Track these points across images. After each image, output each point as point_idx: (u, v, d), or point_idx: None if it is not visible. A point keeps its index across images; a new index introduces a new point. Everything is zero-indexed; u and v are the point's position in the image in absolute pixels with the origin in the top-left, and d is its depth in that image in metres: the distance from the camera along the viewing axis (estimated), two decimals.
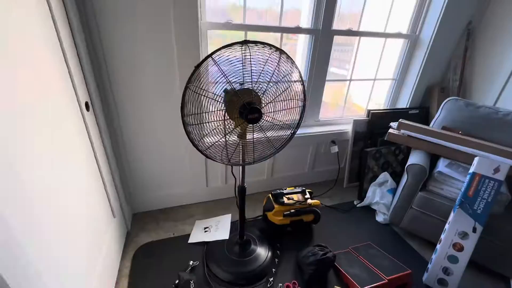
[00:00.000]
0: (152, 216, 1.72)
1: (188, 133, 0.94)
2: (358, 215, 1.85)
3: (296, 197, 1.61)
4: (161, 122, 1.52)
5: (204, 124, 0.95)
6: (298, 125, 1.13)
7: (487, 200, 1.28)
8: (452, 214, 1.34)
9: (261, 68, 0.93)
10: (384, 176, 1.87)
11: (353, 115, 2.13)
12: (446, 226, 1.35)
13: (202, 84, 0.90)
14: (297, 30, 1.66)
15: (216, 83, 0.91)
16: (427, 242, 1.61)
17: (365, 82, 2.07)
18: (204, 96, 0.90)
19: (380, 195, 1.82)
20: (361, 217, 1.83)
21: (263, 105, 1.01)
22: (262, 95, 0.99)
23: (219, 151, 1.03)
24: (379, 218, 1.78)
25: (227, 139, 1.01)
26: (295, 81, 1.03)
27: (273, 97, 1.02)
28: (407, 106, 2.14)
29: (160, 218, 1.71)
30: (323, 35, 1.69)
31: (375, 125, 2.01)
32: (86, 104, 1.13)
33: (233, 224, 1.66)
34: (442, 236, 1.35)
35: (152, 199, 1.73)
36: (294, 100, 1.08)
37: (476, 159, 1.35)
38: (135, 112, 1.44)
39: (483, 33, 1.91)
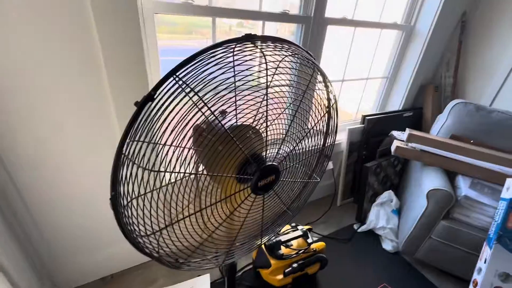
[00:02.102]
0: None
1: (123, 224, 0.45)
2: (361, 243, 1.55)
3: (296, 243, 1.22)
4: (87, 166, 0.97)
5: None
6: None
7: None
8: (488, 251, 1.10)
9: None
10: (389, 195, 1.60)
11: (342, 122, 1.80)
12: (482, 265, 1.11)
13: (154, 133, 0.41)
14: (284, 17, 1.21)
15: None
16: (445, 273, 1.38)
17: (354, 83, 1.74)
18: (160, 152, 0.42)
19: (385, 219, 1.54)
20: (365, 246, 1.54)
21: (273, 147, 0.56)
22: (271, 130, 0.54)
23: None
24: (387, 246, 1.51)
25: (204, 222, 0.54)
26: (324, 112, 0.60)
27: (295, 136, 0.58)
28: (400, 108, 1.89)
29: None
30: (315, 24, 1.28)
31: (370, 133, 1.71)
32: None
33: (214, 286, 1.21)
34: (478, 278, 1.11)
35: (87, 265, 1.17)
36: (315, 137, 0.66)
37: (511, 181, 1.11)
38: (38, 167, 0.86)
39: (478, 24, 1.71)
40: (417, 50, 1.70)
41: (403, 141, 1.46)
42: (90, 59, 0.82)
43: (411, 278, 1.37)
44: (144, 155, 0.39)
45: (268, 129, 0.53)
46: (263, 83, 0.47)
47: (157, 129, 0.40)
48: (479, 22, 1.70)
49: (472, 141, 1.41)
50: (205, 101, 0.40)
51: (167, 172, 0.41)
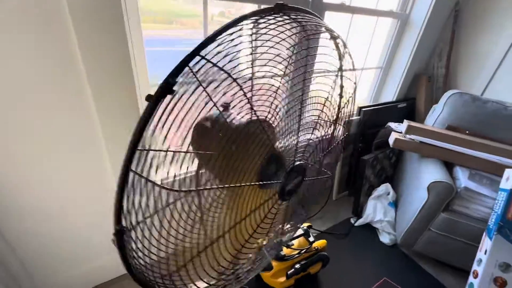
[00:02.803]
0: None
1: (127, 258, 0.35)
2: (359, 237, 1.53)
3: (297, 243, 1.16)
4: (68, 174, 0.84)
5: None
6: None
7: None
8: (489, 242, 1.10)
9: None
10: (386, 187, 1.58)
11: None
12: (482, 256, 1.11)
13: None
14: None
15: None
16: (443, 264, 1.38)
17: (348, 74, 1.68)
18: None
19: (383, 212, 1.52)
20: (363, 240, 1.52)
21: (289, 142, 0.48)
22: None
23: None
24: (384, 239, 1.50)
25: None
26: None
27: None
28: (394, 99, 1.86)
29: None
30: (313, 10, 1.19)
31: (366, 124, 1.67)
32: None
33: None
34: (479, 269, 1.11)
35: (65, 280, 1.04)
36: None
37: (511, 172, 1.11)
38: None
39: (471, 13, 1.70)
40: (412, 39, 1.67)
41: (400, 132, 1.43)
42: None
43: (409, 270, 1.36)
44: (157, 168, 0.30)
45: (285, 119, 0.45)
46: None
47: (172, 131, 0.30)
48: (472, 12, 1.69)
49: (467, 132, 1.41)
50: (242, 85, 0.31)
51: (200, 189, 0.31)
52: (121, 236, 0.32)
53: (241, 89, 0.35)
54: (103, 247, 1.06)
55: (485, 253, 1.10)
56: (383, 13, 1.55)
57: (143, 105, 0.91)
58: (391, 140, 1.41)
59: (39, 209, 0.86)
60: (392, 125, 1.55)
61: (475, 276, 1.12)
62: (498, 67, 1.64)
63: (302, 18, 0.38)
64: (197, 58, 0.28)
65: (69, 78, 0.73)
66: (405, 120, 1.44)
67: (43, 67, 0.69)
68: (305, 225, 1.24)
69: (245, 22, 0.30)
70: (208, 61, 0.28)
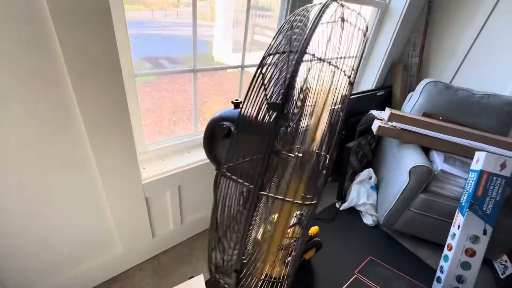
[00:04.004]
0: None
1: None
2: (345, 220, 1.61)
3: (291, 231, 1.18)
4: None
5: None
6: None
7: (496, 199, 1.19)
8: (461, 218, 1.22)
9: None
10: (368, 172, 1.66)
11: None
12: (456, 230, 1.23)
13: None
14: None
15: None
16: (419, 240, 1.52)
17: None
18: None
19: (366, 195, 1.61)
20: (348, 223, 1.60)
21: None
22: None
23: None
24: (368, 220, 1.59)
25: None
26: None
27: None
28: (373, 87, 1.93)
29: None
30: None
31: (349, 112, 1.72)
32: None
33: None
34: (452, 242, 1.24)
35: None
36: None
37: (481, 154, 1.22)
38: None
39: (444, 5, 1.79)
40: (391, 28, 1.72)
41: (382, 120, 1.50)
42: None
43: (391, 248, 1.47)
44: None
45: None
46: None
47: None
48: (444, 4, 1.78)
49: (441, 118, 1.52)
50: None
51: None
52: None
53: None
54: (106, 240, 0.99)
55: (458, 227, 1.22)
56: (365, 1, 1.57)
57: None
58: (374, 128, 1.47)
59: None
60: (374, 112, 1.62)
61: (450, 249, 1.25)
62: (465, 57, 1.77)
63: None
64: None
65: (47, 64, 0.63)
66: (387, 108, 1.51)
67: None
68: (297, 213, 1.26)
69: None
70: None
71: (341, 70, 0.39)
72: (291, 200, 0.41)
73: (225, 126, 0.42)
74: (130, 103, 0.86)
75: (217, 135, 0.43)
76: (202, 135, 1.21)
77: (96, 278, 1.08)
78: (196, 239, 1.35)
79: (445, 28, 1.81)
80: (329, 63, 0.40)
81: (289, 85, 0.26)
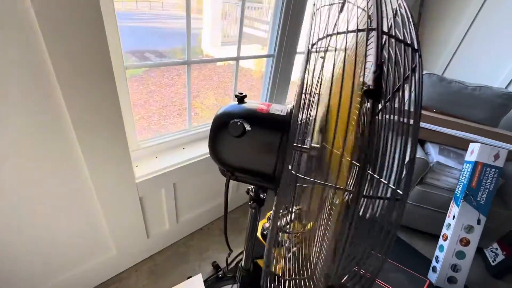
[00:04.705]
0: None
1: None
2: None
3: (291, 227, 1.16)
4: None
5: None
6: None
7: (489, 190, 1.21)
8: (456, 209, 1.24)
9: None
10: None
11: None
12: (451, 221, 1.25)
13: None
14: None
15: None
16: (414, 230, 1.54)
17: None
18: None
19: None
20: None
21: None
22: None
23: None
24: None
25: None
26: None
27: None
28: None
29: None
30: None
31: None
32: None
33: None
34: (448, 232, 1.26)
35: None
36: None
37: (476, 146, 1.24)
38: None
39: None
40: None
41: None
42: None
43: None
44: None
45: None
46: None
47: None
48: None
49: (434, 110, 1.53)
50: None
51: None
52: None
53: None
54: (97, 244, 0.93)
55: (453, 218, 1.25)
56: None
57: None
58: None
59: None
60: None
61: (445, 239, 1.27)
62: (457, 49, 1.78)
63: None
64: None
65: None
66: None
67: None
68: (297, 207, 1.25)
69: None
70: None
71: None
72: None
73: (239, 123, 0.38)
74: (121, 98, 0.80)
75: (230, 135, 0.39)
76: (197, 131, 1.16)
77: (89, 282, 1.03)
78: (192, 238, 1.31)
79: (437, 20, 1.82)
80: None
81: (380, 67, 0.22)
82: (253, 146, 0.41)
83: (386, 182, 0.27)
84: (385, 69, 0.26)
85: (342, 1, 0.35)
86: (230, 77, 3.56)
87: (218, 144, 0.42)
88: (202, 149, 1.12)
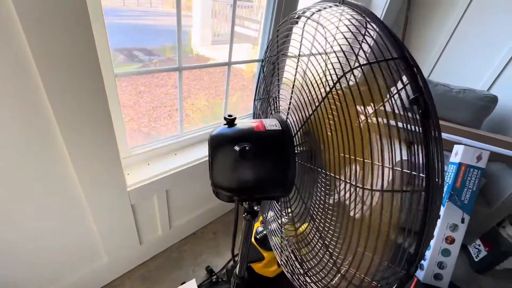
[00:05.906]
0: None
1: None
2: None
3: (284, 230, 1.18)
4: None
5: None
6: None
7: (472, 190, 1.27)
8: (442, 208, 1.29)
9: None
10: None
11: None
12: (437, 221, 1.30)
13: None
14: None
15: None
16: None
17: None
18: None
19: None
20: None
21: None
22: None
23: None
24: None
25: None
26: None
27: None
28: None
29: None
30: None
31: None
32: None
33: None
34: (434, 231, 1.31)
35: None
36: None
37: (460, 147, 1.29)
38: None
39: (423, 1, 1.83)
40: None
41: None
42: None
43: None
44: None
45: None
46: None
47: None
48: None
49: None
50: None
51: None
52: None
53: None
54: (90, 252, 0.92)
55: (439, 217, 1.30)
56: None
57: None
58: None
59: None
60: None
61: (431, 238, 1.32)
62: (442, 52, 1.84)
63: None
64: None
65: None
66: None
67: None
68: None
69: None
70: None
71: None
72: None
73: (247, 148, 0.38)
74: (111, 105, 0.79)
75: (241, 161, 0.39)
76: (189, 136, 1.16)
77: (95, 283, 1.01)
78: (186, 242, 1.31)
79: (423, 23, 1.86)
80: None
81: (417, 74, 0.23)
82: (263, 164, 0.42)
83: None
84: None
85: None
86: (221, 77, 3.54)
87: (227, 173, 0.42)
88: (194, 155, 1.11)
